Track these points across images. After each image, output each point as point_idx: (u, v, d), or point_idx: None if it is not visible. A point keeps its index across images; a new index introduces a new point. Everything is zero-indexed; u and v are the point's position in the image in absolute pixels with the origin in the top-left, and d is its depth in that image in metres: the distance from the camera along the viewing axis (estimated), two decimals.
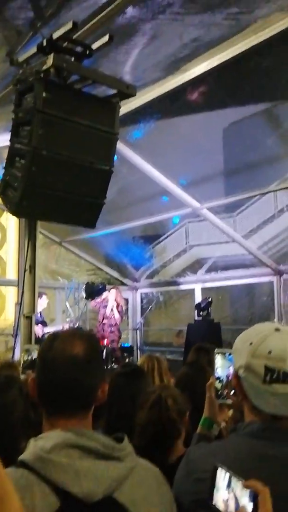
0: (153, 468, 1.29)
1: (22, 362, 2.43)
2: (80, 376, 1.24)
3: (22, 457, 1.13)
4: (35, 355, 2.42)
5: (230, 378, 1.73)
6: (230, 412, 1.84)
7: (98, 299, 8.94)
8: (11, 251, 13.25)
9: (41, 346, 1.33)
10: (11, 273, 12.84)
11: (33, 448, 1.14)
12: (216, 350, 1.79)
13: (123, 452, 1.19)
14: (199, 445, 1.47)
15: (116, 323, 8.70)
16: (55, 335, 1.31)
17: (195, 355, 3.22)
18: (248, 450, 1.26)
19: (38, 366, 1.30)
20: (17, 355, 4.69)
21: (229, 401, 1.73)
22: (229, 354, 1.76)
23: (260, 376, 1.27)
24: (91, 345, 1.29)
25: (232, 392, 1.72)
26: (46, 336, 7.66)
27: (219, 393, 1.74)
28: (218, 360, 1.77)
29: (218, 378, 1.76)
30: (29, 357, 2.41)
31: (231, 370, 1.73)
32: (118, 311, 8.78)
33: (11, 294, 12.23)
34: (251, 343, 1.32)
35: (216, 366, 1.77)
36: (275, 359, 1.27)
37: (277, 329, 1.35)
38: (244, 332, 1.42)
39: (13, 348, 4.66)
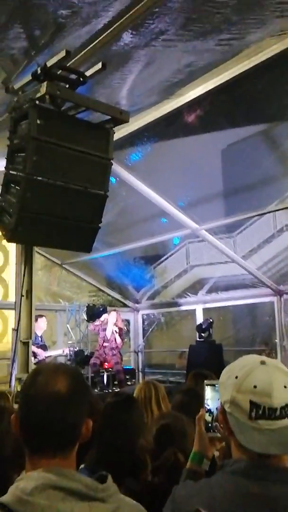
0: (138, 506, 1.26)
1: (16, 391, 2.40)
2: (63, 413, 1.21)
3: (2, 499, 1.11)
4: None
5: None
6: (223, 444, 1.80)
7: (97, 322, 8.87)
8: (13, 274, 13.28)
9: (24, 381, 1.31)
10: (14, 296, 12.84)
11: (14, 489, 1.11)
12: (205, 382, 1.76)
13: (106, 492, 1.17)
14: (186, 483, 1.43)
15: (117, 346, 8.61)
16: (38, 370, 1.29)
17: (193, 381, 3.17)
18: (234, 489, 1.22)
19: (20, 401, 1.28)
20: (14, 381, 4.65)
21: (220, 434, 1.69)
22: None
23: (246, 412, 1.24)
24: (75, 380, 1.26)
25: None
26: (39, 364, 7.62)
27: (209, 425, 1.70)
28: (208, 392, 1.73)
29: (208, 410, 1.72)
30: None
31: None
32: (119, 335, 8.68)
33: (13, 317, 12.22)
34: (236, 377, 1.30)
35: (206, 398, 1.73)
36: (260, 394, 1.24)
37: (262, 362, 1.32)
38: (230, 365, 1.40)
39: (10, 374, 4.61)
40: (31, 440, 1.22)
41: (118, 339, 8.61)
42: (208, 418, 1.71)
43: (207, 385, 1.74)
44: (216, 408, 1.72)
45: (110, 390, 7.95)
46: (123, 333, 8.92)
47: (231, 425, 1.28)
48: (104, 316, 8.91)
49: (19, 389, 2.40)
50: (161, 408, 2.96)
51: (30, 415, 1.22)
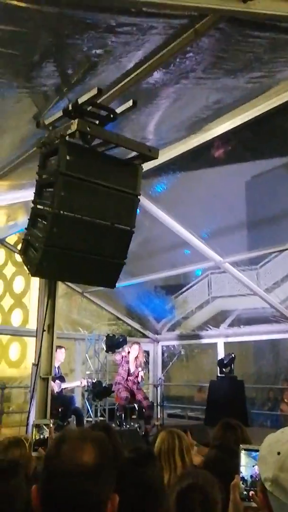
0: None
1: (34, 439, 2.31)
2: (90, 488, 1.10)
3: None
4: (46, 433, 2.30)
5: (255, 478, 1.59)
6: None
7: (123, 353, 8.66)
8: (34, 300, 13.33)
9: (47, 450, 1.22)
10: (33, 321, 12.87)
11: None
12: (241, 446, 1.65)
13: None
14: None
15: (139, 382, 8.40)
16: (62, 438, 1.19)
17: (221, 432, 3.01)
18: None
19: (42, 473, 1.17)
20: (32, 415, 4.56)
21: (255, 504, 1.57)
22: (255, 452, 1.62)
23: None
24: (102, 451, 1.16)
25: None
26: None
27: (243, 494, 1.59)
28: (243, 458, 1.62)
29: (242, 477, 1.61)
30: (41, 436, 2.30)
31: (256, 469, 1.59)
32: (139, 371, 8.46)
33: (33, 342, 12.21)
34: (278, 453, 1.18)
35: (240, 464, 1.63)
36: None
37: None
38: (271, 436, 1.28)
39: (28, 411, 4.53)
40: None
41: (141, 374, 8.39)
42: (242, 485, 1.60)
43: (243, 449, 1.64)
44: (251, 476, 1.61)
45: (128, 426, 7.74)
46: (143, 367, 8.68)
47: (272, 506, 1.17)
48: (127, 348, 8.76)
49: (37, 437, 2.31)
50: (185, 461, 2.81)
51: (54, 490, 1.11)
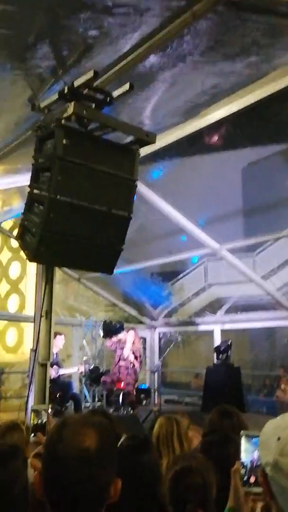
0: None
1: (32, 424, 2.31)
2: (92, 473, 1.11)
3: None
4: (44, 418, 2.30)
5: (255, 463, 1.59)
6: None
7: (114, 339, 8.74)
8: (30, 285, 13.33)
9: (49, 435, 1.22)
10: (30, 307, 12.89)
11: None
12: (241, 432, 1.65)
13: None
14: None
15: (134, 366, 8.45)
16: (64, 423, 1.19)
17: (218, 418, 3.00)
18: None
19: (45, 459, 1.18)
20: (31, 401, 4.58)
21: (256, 489, 1.58)
22: (255, 438, 1.62)
23: None
24: (104, 435, 1.17)
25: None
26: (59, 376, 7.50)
27: (244, 479, 1.60)
28: (243, 443, 1.63)
29: (242, 463, 1.62)
30: (39, 421, 2.30)
31: (257, 454, 1.60)
32: (135, 357, 8.50)
33: (29, 328, 12.24)
34: (279, 438, 1.19)
35: (240, 450, 1.63)
36: None
37: None
38: (271, 422, 1.28)
39: (27, 396, 4.55)
40: (57, 502, 1.12)
41: (137, 364, 8.44)
42: (242, 471, 1.61)
43: (242, 435, 1.64)
44: (251, 461, 1.62)
45: (125, 412, 7.81)
46: (140, 356, 8.69)
47: (273, 490, 1.18)
48: (122, 335, 8.79)
49: (35, 422, 2.31)
50: (183, 445, 2.83)
51: (57, 475, 1.12)
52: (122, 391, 8.03)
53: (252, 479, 1.58)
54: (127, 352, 8.43)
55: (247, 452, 1.61)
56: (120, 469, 1.95)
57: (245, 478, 1.58)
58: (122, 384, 8.14)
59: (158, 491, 1.87)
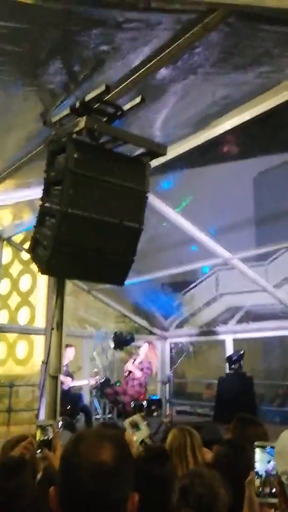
0: None
1: (38, 440, 2.29)
2: (110, 487, 1.09)
3: None
4: (51, 434, 2.28)
5: (269, 473, 1.57)
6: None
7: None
8: (41, 298, 13.38)
9: (65, 448, 1.19)
10: (40, 319, 12.94)
11: None
12: (255, 443, 1.63)
13: None
14: None
15: (138, 379, 8.39)
16: (80, 437, 1.17)
17: (239, 429, 2.96)
18: None
19: (60, 473, 1.15)
20: (42, 413, 4.56)
21: (271, 500, 1.55)
22: (270, 448, 1.60)
23: None
24: (121, 449, 1.15)
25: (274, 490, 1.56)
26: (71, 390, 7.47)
27: (259, 490, 1.57)
28: (258, 454, 1.61)
29: (257, 473, 1.60)
30: (45, 437, 2.28)
31: (271, 465, 1.58)
32: (141, 369, 8.44)
33: (40, 340, 12.27)
34: None
35: (254, 461, 1.61)
36: None
37: None
38: (287, 432, 1.27)
39: (38, 409, 4.53)
40: None
41: (138, 373, 8.37)
42: (257, 481, 1.59)
43: (257, 447, 1.62)
44: (265, 471, 1.60)
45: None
46: (148, 367, 8.60)
47: None
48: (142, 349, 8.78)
49: (41, 438, 2.28)
50: (196, 457, 2.79)
51: (73, 489, 1.09)
52: (122, 402, 8.00)
53: (267, 490, 1.56)
54: (131, 366, 8.39)
55: (262, 462, 1.59)
56: (138, 479, 1.94)
57: (260, 488, 1.56)
58: (125, 396, 8.09)
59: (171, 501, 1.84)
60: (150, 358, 8.55)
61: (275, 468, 1.53)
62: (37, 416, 4.60)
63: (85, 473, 1.09)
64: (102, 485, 1.08)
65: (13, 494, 1.64)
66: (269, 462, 1.59)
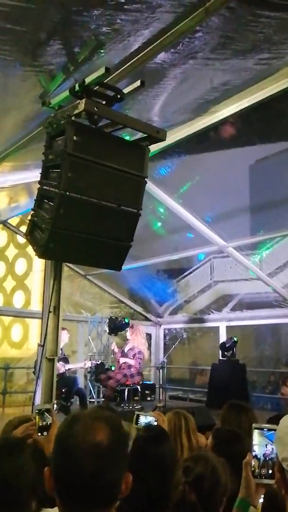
0: None
1: (38, 425, 2.32)
2: (104, 468, 1.11)
3: None
4: (49, 420, 2.31)
5: (267, 457, 1.62)
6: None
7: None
8: (36, 281, 13.40)
9: (60, 429, 1.21)
10: (35, 303, 12.98)
11: None
12: (253, 425, 1.67)
13: None
14: None
15: (129, 365, 8.46)
16: (75, 418, 1.19)
17: (233, 414, 3.01)
18: None
19: (55, 453, 1.17)
20: (38, 396, 4.60)
21: (268, 481, 1.60)
22: (268, 431, 1.64)
23: None
24: (116, 430, 1.17)
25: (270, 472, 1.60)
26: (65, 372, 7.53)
27: (256, 472, 1.62)
28: (256, 437, 1.65)
29: (255, 456, 1.64)
30: (44, 423, 2.30)
31: (269, 448, 1.62)
32: (133, 356, 8.50)
33: (34, 324, 12.32)
34: None
35: (253, 443, 1.65)
36: None
37: None
38: (287, 418, 1.30)
39: (34, 391, 4.58)
40: (68, 498, 1.12)
41: (131, 361, 8.43)
42: (255, 463, 1.63)
43: (255, 429, 1.66)
44: (264, 454, 1.64)
45: (131, 407, 7.85)
46: (138, 352, 8.66)
47: None
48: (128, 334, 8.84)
49: (40, 423, 2.31)
50: (191, 440, 2.84)
51: (68, 470, 1.11)
52: (130, 386, 8.08)
53: (264, 471, 1.60)
54: (122, 358, 8.48)
55: (260, 445, 1.63)
56: (139, 459, 1.98)
57: (258, 470, 1.60)
58: (110, 380, 8.18)
59: (172, 480, 1.88)
60: (133, 340, 8.61)
61: (273, 452, 1.58)
62: (34, 397, 4.64)
63: (81, 454, 1.10)
64: (98, 465, 1.10)
65: (12, 473, 1.66)
66: (267, 445, 1.63)
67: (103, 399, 8.98)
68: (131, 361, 8.39)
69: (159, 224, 8.83)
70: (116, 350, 8.76)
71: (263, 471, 1.61)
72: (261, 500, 1.68)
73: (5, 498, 1.60)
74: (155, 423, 2.62)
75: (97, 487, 1.10)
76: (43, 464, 1.24)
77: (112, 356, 9.13)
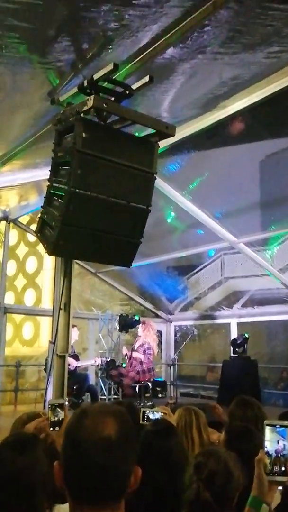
0: None
1: (50, 420, 2.32)
2: (113, 461, 1.11)
3: None
4: (61, 415, 2.31)
5: (280, 453, 1.60)
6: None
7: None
8: (47, 279, 13.46)
9: (69, 423, 1.21)
10: (46, 301, 13.03)
11: None
12: (265, 422, 1.65)
13: None
14: None
15: (141, 361, 8.45)
16: (84, 412, 1.19)
17: (240, 410, 2.99)
18: None
19: (64, 447, 1.17)
20: (49, 393, 4.62)
21: (281, 478, 1.58)
22: (280, 427, 1.62)
23: None
24: (124, 423, 1.17)
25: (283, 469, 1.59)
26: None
27: (268, 468, 1.60)
28: (268, 433, 1.63)
29: (267, 452, 1.62)
30: (56, 418, 2.31)
31: (281, 444, 1.60)
32: (144, 351, 8.50)
33: (45, 321, 12.37)
34: None
35: (265, 439, 1.63)
36: None
37: None
38: None
39: (46, 388, 4.59)
40: (78, 491, 1.11)
41: (141, 356, 8.42)
42: (266, 460, 1.61)
43: (266, 425, 1.64)
44: (276, 451, 1.62)
45: (142, 403, 7.85)
46: (148, 347, 8.65)
47: None
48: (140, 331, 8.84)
49: (52, 419, 2.32)
50: (202, 436, 2.83)
51: (78, 463, 1.11)
52: (141, 383, 8.08)
53: (277, 468, 1.58)
54: (134, 353, 8.47)
55: (272, 442, 1.61)
56: (147, 453, 1.98)
57: (270, 467, 1.58)
58: (125, 378, 8.18)
59: (183, 474, 1.87)
60: (145, 336, 8.59)
61: (285, 448, 1.56)
62: (45, 394, 4.66)
63: (90, 447, 1.10)
64: (108, 459, 1.10)
65: (25, 469, 1.66)
66: (279, 441, 1.61)
67: (114, 397, 9.00)
68: (141, 356, 8.39)
69: (170, 219, 8.81)
70: (126, 353, 8.76)
71: (276, 468, 1.59)
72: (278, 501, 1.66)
73: (19, 494, 1.60)
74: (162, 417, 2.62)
75: (106, 481, 1.10)
76: (55, 459, 1.24)
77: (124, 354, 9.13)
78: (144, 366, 8.39)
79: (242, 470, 1.82)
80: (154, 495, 1.89)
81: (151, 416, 2.75)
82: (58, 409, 2.35)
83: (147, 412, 2.82)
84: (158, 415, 2.71)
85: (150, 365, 8.56)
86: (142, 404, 7.84)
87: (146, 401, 8.02)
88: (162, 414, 2.73)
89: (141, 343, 8.57)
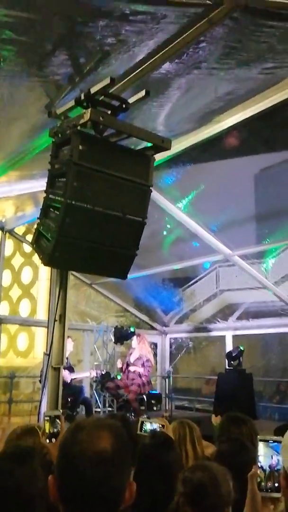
0: None
1: (48, 432, 2.31)
2: (108, 475, 1.10)
3: None
4: (59, 427, 2.30)
5: (273, 468, 1.59)
6: (282, 505, 1.66)
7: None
8: (42, 290, 13.43)
9: (63, 438, 1.20)
10: (41, 312, 12.99)
11: None
12: (259, 437, 1.65)
13: None
14: None
15: (139, 374, 8.42)
16: (79, 426, 1.18)
17: (229, 425, 2.98)
18: None
19: (59, 461, 1.16)
20: (44, 405, 4.60)
21: (274, 495, 1.57)
22: (273, 442, 1.61)
23: None
24: (119, 438, 1.17)
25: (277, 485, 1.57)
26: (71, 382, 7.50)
27: (262, 484, 1.59)
28: (261, 448, 1.62)
29: (261, 467, 1.61)
30: (54, 430, 2.30)
31: (275, 459, 1.59)
32: (142, 364, 8.46)
33: (40, 332, 12.32)
34: None
35: (258, 454, 1.62)
36: None
37: None
38: None
39: (40, 400, 4.57)
40: (72, 506, 1.11)
41: (140, 369, 8.39)
42: (260, 475, 1.60)
43: (260, 440, 1.63)
44: (269, 466, 1.61)
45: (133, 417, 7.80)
46: (146, 360, 8.62)
47: None
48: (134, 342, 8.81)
49: (50, 431, 2.30)
50: (196, 449, 2.83)
51: (73, 477, 1.10)
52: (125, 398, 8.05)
53: (270, 484, 1.57)
54: (134, 358, 8.44)
55: (265, 457, 1.60)
56: (145, 466, 1.97)
57: (263, 482, 1.57)
58: (128, 394, 8.14)
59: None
60: (140, 349, 8.57)
61: (279, 463, 1.55)
62: (39, 407, 4.64)
63: (84, 461, 1.10)
64: (102, 473, 1.09)
65: (24, 480, 1.66)
66: (272, 456, 1.60)
67: (109, 409, 8.94)
68: (141, 369, 8.36)
69: (165, 233, 8.85)
70: (122, 366, 8.72)
71: (269, 484, 1.58)
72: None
73: (18, 506, 1.59)
74: (160, 429, 2.61)
75: (100, 495, 1.09)
76: (50, 472, 1.24)
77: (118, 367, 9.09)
78: (143, 379, 8.37)
79: (234, 485, 1.82)
80: (151, 508, 1.89)
81: (148, 427, 2.75)
82: (55, 421, 2.34)
83: (145, 422, 2.82)
84: (155, 426, 2.71)
85: (148, 377, 8.53)
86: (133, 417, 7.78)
87: (132, 415, 7.95)
88: (160, 426, 2.73)
89: (138, 356, 8.54)
